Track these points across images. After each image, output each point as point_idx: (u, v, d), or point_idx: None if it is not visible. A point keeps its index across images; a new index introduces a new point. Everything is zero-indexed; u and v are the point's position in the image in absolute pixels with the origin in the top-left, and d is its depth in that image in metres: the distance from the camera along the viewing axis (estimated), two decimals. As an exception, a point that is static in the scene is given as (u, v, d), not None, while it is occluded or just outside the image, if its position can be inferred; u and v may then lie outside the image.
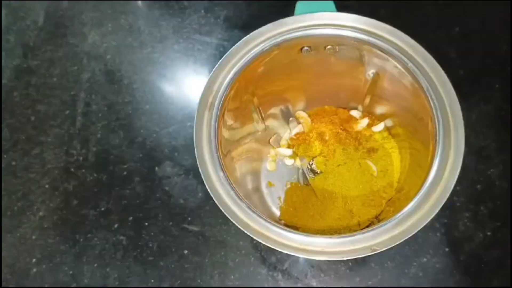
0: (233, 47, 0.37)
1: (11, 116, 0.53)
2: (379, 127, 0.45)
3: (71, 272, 0.45)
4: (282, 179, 0.46)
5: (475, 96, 0.48)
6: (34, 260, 0.46)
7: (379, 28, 0.36)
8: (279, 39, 0.36)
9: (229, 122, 0.40)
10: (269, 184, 0.46)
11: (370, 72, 0.40)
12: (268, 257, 0.44)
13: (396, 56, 0.36)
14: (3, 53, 0.57)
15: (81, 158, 0.50)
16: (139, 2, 0.59)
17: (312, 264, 0.43)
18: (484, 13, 0.53)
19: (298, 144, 0.46)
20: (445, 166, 0.33)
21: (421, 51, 0.36)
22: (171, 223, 0.46)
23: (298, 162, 0.46)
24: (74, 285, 0.45)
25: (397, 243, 0.31)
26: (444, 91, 0.35)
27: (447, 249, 0.43)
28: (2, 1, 0.61)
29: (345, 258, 0.31)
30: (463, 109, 0.34)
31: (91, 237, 0.46)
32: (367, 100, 0.44)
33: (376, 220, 0.40)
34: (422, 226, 0.31)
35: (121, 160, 0.49)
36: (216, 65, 0.37)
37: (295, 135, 0.46)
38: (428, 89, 0.35)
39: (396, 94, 0.40)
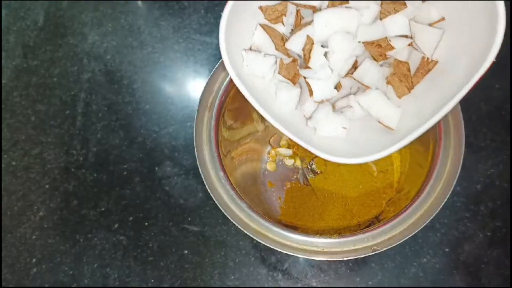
0: (233, 47, 0.37)
1: (11, 116, 0.53)
2: (379, 127, 0.45)
3: (71, 272, 0.45)
4: (282, 179, 0.46)
5: (475, 96, 0.48)
6: (34, 260, 0.46)
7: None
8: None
9: (229, 122, 0.40)
10: (269, 184, 0.46)
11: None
12: (268, 257, 0.44)
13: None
14: (3, 53, 0.57)
15: (81, 158, 0.50)
16: (139, 2, 0.59)
17: (312, 264, 0.43)
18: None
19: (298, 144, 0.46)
20: (445, 166, 0.33)
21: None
22: (171, 223, 0.46)
23: (298, 162, 0.46)
24: (74, 285, 0.45)
25: (397, 243, 0.31)
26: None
27: (447, 249, 0.43)
28: (2, 1, 0.61)
29: (345, 259, 0.31)
30: (463, 109, 0.34)
31: (91, 237, 0.46)
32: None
33: (376, 220, 0.40)
34: (422, 226, 0.31)
35: (121, 160, 0.49)
36: (216, 65, 0.37)
37: (295, 135, 0.46)
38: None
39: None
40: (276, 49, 0.31)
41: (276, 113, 0.31)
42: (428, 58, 0.29)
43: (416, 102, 0.30)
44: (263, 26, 0.31)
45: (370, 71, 0.30)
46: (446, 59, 0.29)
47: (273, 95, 0.32)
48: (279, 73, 0.31)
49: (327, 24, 0.29)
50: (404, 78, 0.29)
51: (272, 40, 0.31)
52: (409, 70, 0.30)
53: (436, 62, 0.29)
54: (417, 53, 0.30)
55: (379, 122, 0.30)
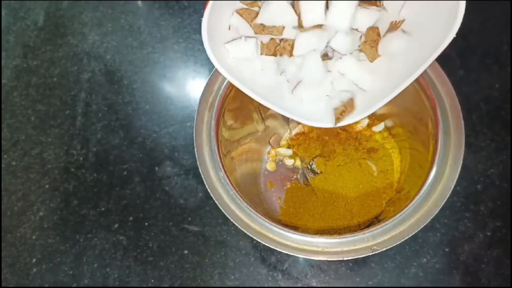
0: (233, 47, 0.37)
1: (11, 116, 0.53)
2: (379, 127, 0.45)
3: (71, 272, 0.45)
4: (282, 179, 0.46)
5: (475, 96, 0.48)
6: (34, 260, 0.46)
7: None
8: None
9: (229, 122, 0.40)
10: (269, 184, 0.46)
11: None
12: (268, 257, 0.44)
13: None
14: (3, 53, 0.57)
15: (81, 158, 0.50)
16: (139, 2, 0.59)
17: (312, 264, 0.43)
18: (484, 13, 0.53)
19: (298, 144, 0.46)
20: (445, 166, 0.33)
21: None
22: (171, 223, 0.46)
23: (298, 162, 0.46)
24: (74, 285, 0.45)
25: (397, 243, 0.31)
26: (444, 91, 0.35)
27: (447, 249, 0.43)
28: (2, 1, 0.61)
29: (345, 258, 0.31)
30: (463, 109, 0.34)
31: (91, 237, 0.46)
32: (367, 100, 0.44)
33: (376, 220, 0.40)
34: (422, 226, 0.31)
35: (121, 160, 0.49)
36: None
37: (295, 135, 0.46)
38: (428, 89, 0.35)
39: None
40: (255, 32, 0.32)
41: (261, 91, 0.33)
42: (396, 21, 0.31)
43: (390, 65, 0.32)
44: (239, 12, 0.32)
45: (345, 41, 0.31)
46: (416, 24, 0.30)
47: (257, 72, 0.34)
48: (261, 53, 0.33)
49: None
50: (374, 44, 0.32)
51: (250, 25, 0.32)
52: (379, 34, 0.31)
53: (403, 20, 0.31)
54: (386, 19, 0.31)
55: (355, 84, 0.33)
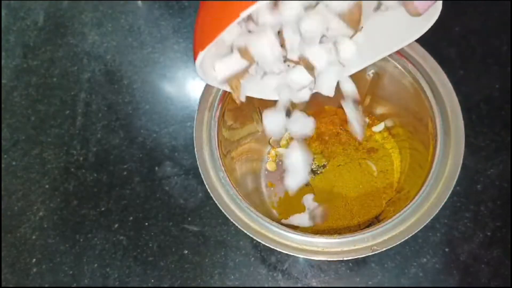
0: (233, 47, 0.37)
1: (11, 116, 0.53)
2: (379, 127, 0.45)
3: (71, 272, 0.45)
4: (282, 179, 0.46)
5: (475, 96, 0.48)
6: (34, 260, 0.46)
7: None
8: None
9: (229, 122, 0.40)
10: (269, 184, 0.46)
11: (370, 72, 0.40)
12: (268, 257, 0.44)
13: (396, 56, 0.36)
14: (3, 53, 0.57)
15: (81, 158, 0.50)
16: (139, 2, 0.59)
17: (312, 264, 0.43)
18: (484, 13, 0.53)
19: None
20: (445, 166, 0.33)
21: (421, 51, 0.36)
22: (171, 223, 0.46)
23: (298, 162, 0.46)
24: (74, 285, 0.45)
25: (397, 243, 0.31)
26: (444, 91, 0.35)
27: (447, 249, 0.43)
28: (2, 1, 0.61)
29: (345, 258, 0.31)
30: (463, 109, 0.34)
31: (91, 237, 0.46)
32: (367, 100, 0.44)
33: (376, 220, 0.40)
34: (422, 226, 0.31)
35: (121, 160, 0.49)
36: (216, 65, 0.37)
37: (295, 135, 0.46)
38: (428, 89, 0.35)
39: (396, 94, 0.40)
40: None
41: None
42: None
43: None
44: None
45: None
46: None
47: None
48: None
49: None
50: None
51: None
52: None
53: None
54: None
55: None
